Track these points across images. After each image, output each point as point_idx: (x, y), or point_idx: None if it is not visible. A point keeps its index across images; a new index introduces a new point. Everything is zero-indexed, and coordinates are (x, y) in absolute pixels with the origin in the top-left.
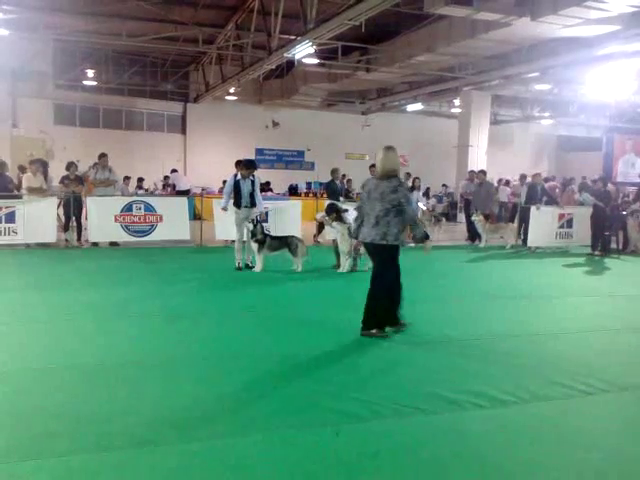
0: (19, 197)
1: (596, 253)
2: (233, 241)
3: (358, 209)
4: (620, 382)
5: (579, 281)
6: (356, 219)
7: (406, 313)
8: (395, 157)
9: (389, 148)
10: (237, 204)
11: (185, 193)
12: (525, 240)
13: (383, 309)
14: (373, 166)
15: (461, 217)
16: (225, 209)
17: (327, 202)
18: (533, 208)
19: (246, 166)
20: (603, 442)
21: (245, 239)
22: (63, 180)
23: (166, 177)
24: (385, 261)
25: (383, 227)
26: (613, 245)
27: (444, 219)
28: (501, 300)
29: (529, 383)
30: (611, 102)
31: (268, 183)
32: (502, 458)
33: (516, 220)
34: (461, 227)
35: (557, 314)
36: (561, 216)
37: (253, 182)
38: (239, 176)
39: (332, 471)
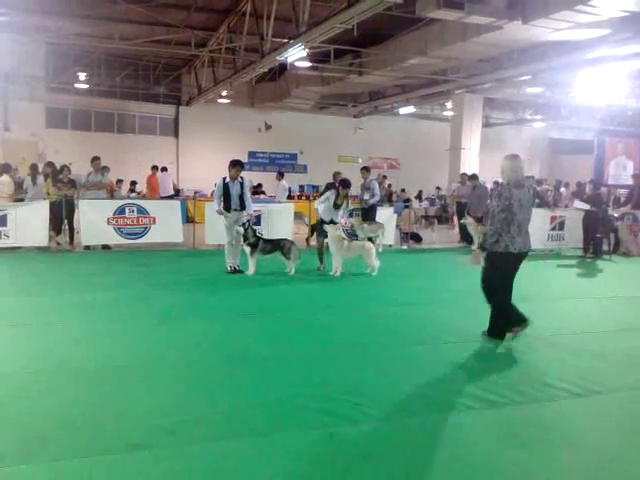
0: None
1: (588, 255)
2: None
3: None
4: (612, 383)
5: (571, 283)
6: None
7: (397, 314)
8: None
9: (515, 156)
10: (227, 207)
11: (169, 199)
12: None
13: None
14: (364, 169)
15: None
16: (221, 212)
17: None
18: None
19: (232, 164)
20: (594, 443)
21: (234, 242)
22: (56, 183)
23: (133, 182)
24: None
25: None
26: (604, 247)
27: (436, 221)
28: None
29: (521, 385)
30: (602, 105)
31: (260, 185)
32: (493, 460)
33: None
34: (453, 229)
35: (549, 316)
36: (553, 218)
37: (242, 184)
38: (228, 179)
39: (326, 473)
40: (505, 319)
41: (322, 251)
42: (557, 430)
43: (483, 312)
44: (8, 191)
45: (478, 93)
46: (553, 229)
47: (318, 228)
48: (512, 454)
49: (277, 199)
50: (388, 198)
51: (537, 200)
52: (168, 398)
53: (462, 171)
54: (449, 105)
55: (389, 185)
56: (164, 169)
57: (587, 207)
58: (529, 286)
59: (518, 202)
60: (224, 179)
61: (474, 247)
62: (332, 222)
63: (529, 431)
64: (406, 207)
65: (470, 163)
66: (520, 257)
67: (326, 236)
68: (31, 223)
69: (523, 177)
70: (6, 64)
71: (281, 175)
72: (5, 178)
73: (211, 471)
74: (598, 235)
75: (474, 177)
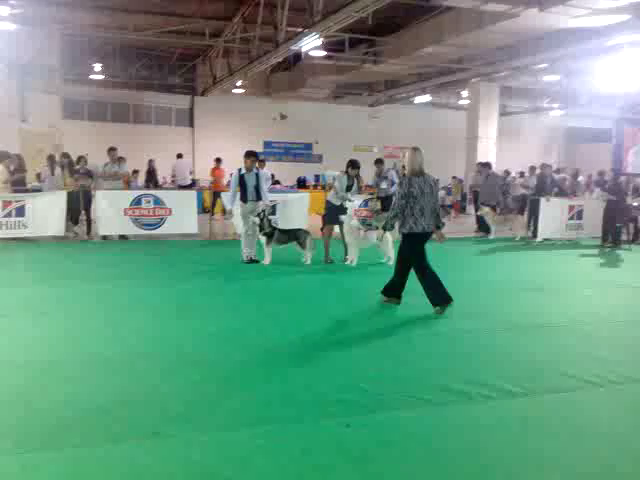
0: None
1: (607, 244)
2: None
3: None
4: (631, 374)
5: (590, 273)
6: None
7: (416, 304)
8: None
9: (416, 149)
10: (243, 198)
11: (187, 188)
12: (535, 232)
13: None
14: (378, 161)
15: (470, 209)
16: (230, 212)
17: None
18: (543, 199)
19: (246, 155)
20: (613, 434)
21: (251, 232)
22: (73, 174)
23: (151, 161)
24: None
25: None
26: (624, 237)
27: (453, 211)
28: (511, 292)
29: (539, 375)
30: (621, 93)
31: (272, 176)
32: (510, 450)
33: (526, 212)
34: (470, 219)
35: (568, 306)
36: (571, 208)
37: (257, 175)
38: (243, 170)
39: (341, 462)
40: (399, 287)
41: (329, 242)
42: (579, 421)
43: (497, 303)
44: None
45: (494, 81)
46: (571, 218)
47: (328, 215)
48: (530, 444)
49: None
50: None
51: (555, 189)
52: (185, 387)
53: (478, 160)
54: (465, 94)
55: (404, 175)
56: (179, 156)
57: (606, 196)
58: (547, 275)
59: (418, 188)
60: (239, 170)
61: (491, 236)
62: (342, 208)
63: (551, 422)
64: None
65: (487, 152)
66: (425, 235)
67: (339, 223)
68: (49, 213)
69: (422, 167)
70: (23, 56)
71: (262, 162)
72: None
73: (227, 459)
74: (617, 224)
75: (486, 165)
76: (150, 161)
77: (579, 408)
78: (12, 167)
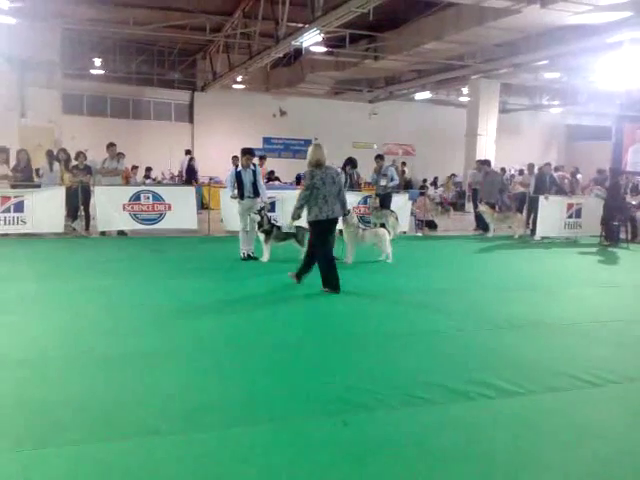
0: (28, 187)
1: (605, 243)
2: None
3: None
4: (629, 373)
5: (589, 271)
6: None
7: (418, 302)
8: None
9: (317, 145)
10: (240, 195)
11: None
12: (533, 230)
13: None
14: (379, 157)
15: (469, 207)
16: (235, 196)
17: None
18: (542, 198)
19: (242, 153)
20: (612, 434)
21: (249, 229)
22: (72, 170)
23: (148, 168)
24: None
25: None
26: (622, 235)
27: (452, 208)
28: (509, 291)
29: (537, 374)
30: (621, 90)
31: (272, 172)
32: (509, 449)
33: (525, 210)
34: (469, 217)
35: (566, 305)
36: (570, 206)
37: (254, 172)
38: (240, 167)
39: (340, 460)
40: (306, 270)
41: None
42: (577, 420)
43: (497, 300)
44: None
45: (495, 78)
46: (570, 217)
47: None
48: (529, 443)
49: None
50: (406, 185)
51: (554, 187)
52: (185, 384)
53: (478, 157)
54: (465, 91)
55: (403, 172)
56: (188, 152)
57: (603, 194)
58: (546, 274)
59: (320, 179)
60: (236, 167)
61: (490, 234)
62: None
63: (550, 421)
64: (421, 194)
65: (486, 149)
66: (330, 222)
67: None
68: (47, 209)
69: (322, 161)
70: (23, 51)
71: (263, 159)
72: None
73: (226, 457)
74: (615, 223)
75: (485, 163)
76: (191, 159)
77: (578, 408)
78: (22, 164)
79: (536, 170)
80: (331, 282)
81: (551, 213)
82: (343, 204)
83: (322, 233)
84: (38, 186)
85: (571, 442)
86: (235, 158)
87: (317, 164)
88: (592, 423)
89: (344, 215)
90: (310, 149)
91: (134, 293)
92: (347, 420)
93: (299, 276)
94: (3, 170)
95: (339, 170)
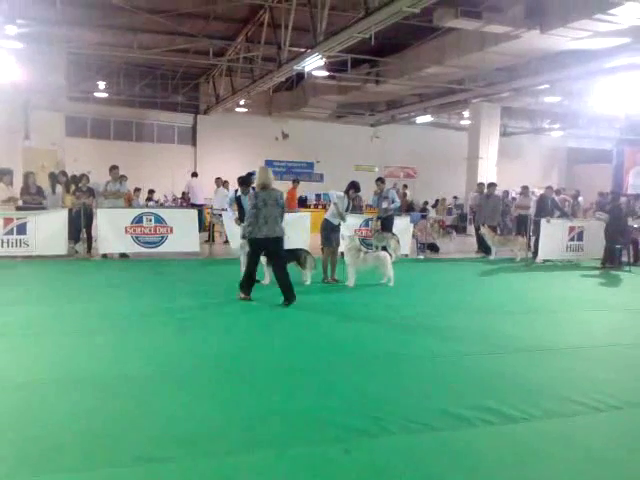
0: (30, 209)
1: (607, 266)
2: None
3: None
4: (632, 399)
5: (591, 294)
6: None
7: (419, 325)
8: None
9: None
10: (241, 218)
11: (199, 207)
12: (535, 253)
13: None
14: (380, 180)
15: (471, 229)
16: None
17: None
18: (543, 221)
19: (239, 183)
20: (615, 459)
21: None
22: (75, 192)
23: (151, 191)
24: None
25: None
26: (624, 258)
27: (454, 231)
28: (511, 314)
29: (539, 399)
30: (621, 114)
31: (305, 199)
32: (512, 475)
33: (529, 232)
34: (471, 239)
35: (568, 328)
36: (571, 229)
37: None
38: (239, 192)
39: None
40: (248, 283)
41: (327, 262)
42: (580, 446)
43: (500, 324)
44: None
45: (496, 102)
46: (572, 240)
47: (325, 236)
48: (531, 470)
49: (217, 206)
50: (407, 208)
51: (557, 212)
52: (184, 410)
53: (480, 180)
54: (466, 114)
55: (404, 195)
56: (194, 174)
57: (606, 218)
58: (547, 297)
59: (262, 201)
60: (236, 191)
61: (492, 257)
62: (337, 227)
63: (552, 447)
64: (423, 217)
65: (488, 172)
66: (266, 241)
67: (338, 245)
68: (50, 232)
69: (267, 183)
70: (28, 74)
71: (222, 182)
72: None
73: None
74: (618, 246)
75: (491, 185)
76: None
77: (580, 433)
78: (33, 188)
79: (535, 192)
80: (246, 287)
81: (553, 236)
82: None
83: (256, 250)
84: (44, 208)
85: (574, 468)
86: (218, 180)
87: (262, 186)
88: (595, 448)
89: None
90: (257, 172)
91: (134, 316)
92: (348, 447)
93: (244, 291)
94: (9, 192)
95: (280, 192)
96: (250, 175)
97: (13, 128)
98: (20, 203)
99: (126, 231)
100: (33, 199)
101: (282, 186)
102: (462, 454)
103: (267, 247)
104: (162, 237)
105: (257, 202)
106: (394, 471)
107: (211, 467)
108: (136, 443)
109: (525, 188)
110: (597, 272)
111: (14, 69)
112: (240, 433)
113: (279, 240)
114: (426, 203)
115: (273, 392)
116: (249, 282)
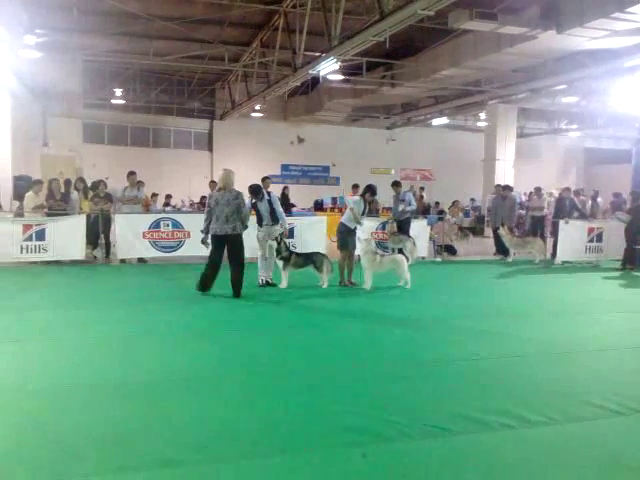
0: (49, 215)
1: (628, 267)
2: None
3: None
4: None
5: (612, 296)
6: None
7: (437, 328)
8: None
9: (228, 171)
10: (259, 222)
11: None
12: (554, 254)
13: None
14: (395, 183)
15: (488, 231)
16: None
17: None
18: (562, 222)
19: (249, 192)
20: (638, 465)
21: (267, 256)
22: (92, 198)
23: (168, 196)
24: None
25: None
26: None
27: (471, 234)
28: (530, 317)
29: (560, 402)
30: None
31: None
32: None
33: (548, 234)
34: (489, 241)
35: (589, 331)
36: (591, 230)
37: (269, 201)
38: (254, 199)
39: None
40: (204, 278)
41: (344, 266)
42: (604, 450)
43: (519, 326)
44: (28, 206)
45: (512, 103)
46: (591, 241)
47: (341, 240)
48: (553, 474)
49: None
50: (424, 210)
51: (576, 214)
52: (200, 414)
53: (497, 182)
54: (483, 116)
55: (421, 197)
56: (214, 182)
57: (627, 217)
58: (567, 299)
59: (214, 201)
60: (251, 198)
61: (510, 259)
62: (353, 231)
63: (574, 452)
64: (440, 219)
65: (505, 174)
66: (221, 237)
67: (354, 248)
68: (69, 237)
69: (227, 184)
70: (45, 82)
71: (215, 184)
72: (30, 194)
73: None
74: (638, 247)
75: (506, 188)
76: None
77: (602, 437)
78: (58, 194)
79: (553, 194)
80: (204, 285)
81: (572, 237)
82: (242, 221)
83: (214, 245)
84: (68, 214)
85: (598, 473)
86: (213, 183)
87: (220, 188)
88: (619, 453)
89: (239, 230)
90: (221, 174)
91: (152, 321)
92: (366, 452)
93: (206, 288)
94: (39, 200)
95: (237, 192)
96: (265, 179)
97: (31, 135)
98: (46, 210)
99: (144, 236)
100: (58, 205)
101: (299, 189)
102: (482, 458)
103: (225, 243)
104: (179, 242)
105: (210, 202)
106: (412, 476)
107: (227, 472)
108: (152, 448)
109: (538, 190)
110: (617, 273)
111: (31, 77)
112: (256, 437)
113: (236, 237)
114: (437, 204)
115: (290, 395)
116: (206, 277)
